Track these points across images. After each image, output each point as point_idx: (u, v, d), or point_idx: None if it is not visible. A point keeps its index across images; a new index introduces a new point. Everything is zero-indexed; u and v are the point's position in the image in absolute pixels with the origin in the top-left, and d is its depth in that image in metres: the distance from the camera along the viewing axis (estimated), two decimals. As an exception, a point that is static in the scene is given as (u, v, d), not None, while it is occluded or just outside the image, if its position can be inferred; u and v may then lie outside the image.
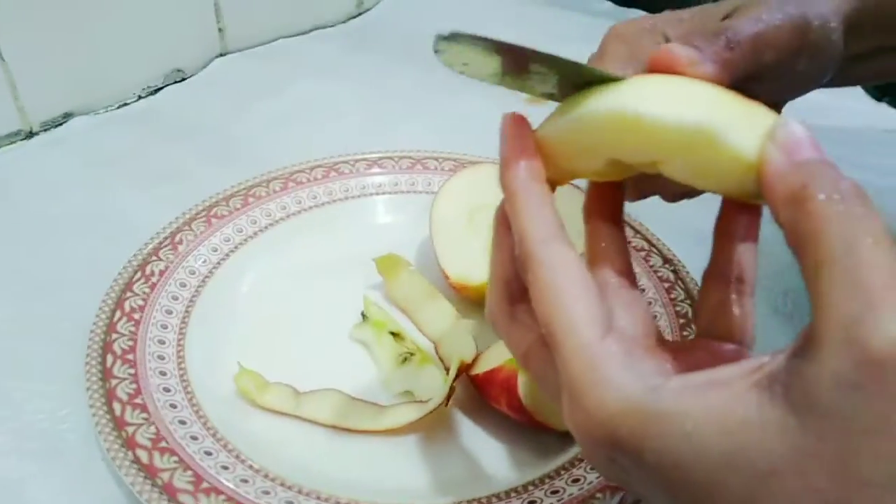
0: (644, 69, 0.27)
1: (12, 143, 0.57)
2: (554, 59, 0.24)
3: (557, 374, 0.23)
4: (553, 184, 0.26)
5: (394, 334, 0.42)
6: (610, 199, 0.28)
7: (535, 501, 0.33)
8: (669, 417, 0.20)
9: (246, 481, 0.33)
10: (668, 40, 0.30)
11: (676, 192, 0.32)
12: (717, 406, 0.19)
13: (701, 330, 0.27)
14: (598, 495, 0.33)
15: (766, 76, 0.29)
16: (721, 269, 0.26)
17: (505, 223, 0.26)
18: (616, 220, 0.28)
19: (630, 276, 0.27)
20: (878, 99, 0.51)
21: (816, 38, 0.29)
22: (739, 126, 0.22)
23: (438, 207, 0.46)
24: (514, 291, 0.27)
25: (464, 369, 0.37)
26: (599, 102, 0.24)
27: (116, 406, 0.35)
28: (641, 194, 0.31)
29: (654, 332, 0.26)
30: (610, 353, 0.22)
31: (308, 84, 0.67)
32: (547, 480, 0.34)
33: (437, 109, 0.65)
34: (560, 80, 0.25)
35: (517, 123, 0.26)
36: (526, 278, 0.24)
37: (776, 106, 0.31)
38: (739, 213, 0.26)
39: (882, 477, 0.18)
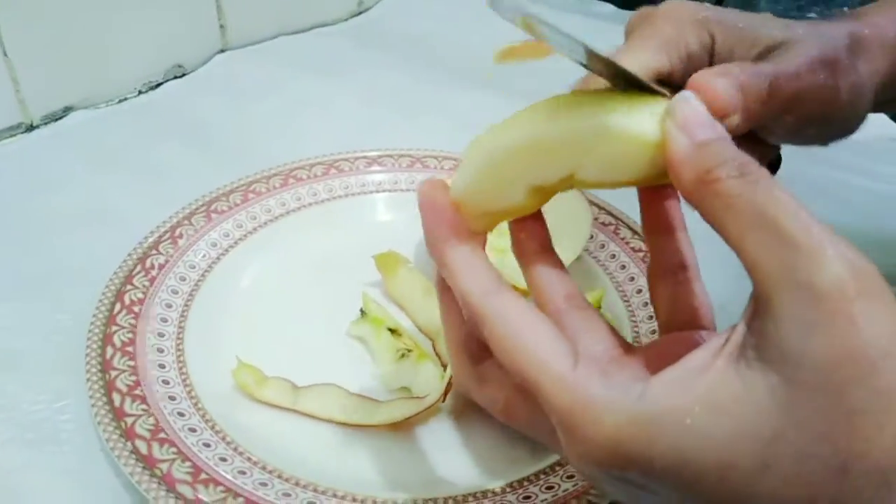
0: (683, 57, 0.28)
1: (13, 136, 0.58)
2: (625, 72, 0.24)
3: (545, 417, 0.23)
4: (482, 235, 0.27)
5: (392, 331, 0.42)
6: (535, 232, 0.28)
7: (530, 497, 0.33)
8: (665, 418, 0.20)
9: (244, 473, 0.33)
10: (713, 40, 0.30)
11: None
12: (704, 392, 0.20)
13: (662, 326, 0.27)
14: (593, 491, 0.33)
15: (781, 129, 0.29)
16: (662, 264, 0.27)
17: (446, 287, 0.27)
18: (547, 249, 0.28)
19: (578, 298, 0.27)
20: None
21: (843, 105, 0.29)
22: (633, 113, 0.23)
23: (437, 205, 0.46)
24: (474, 351, 0.27)
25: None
26: (502, 140, 0.25)
27: (116, 397, 0.35)
28: None
29: (619, 341, 0.25)
30: (587, 378, 0.22)
31: (308, 81, 0.68)
32: (542, 477, 0.34)
33: (437, 108, 0.65)
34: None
35: (430, 187, 0.26)
36: (483, 335, 0.24)
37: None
38: (659, 204, 0.27)
39: (869, 401, 0.18)
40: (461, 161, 0.27)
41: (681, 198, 0.24)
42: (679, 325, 0.26)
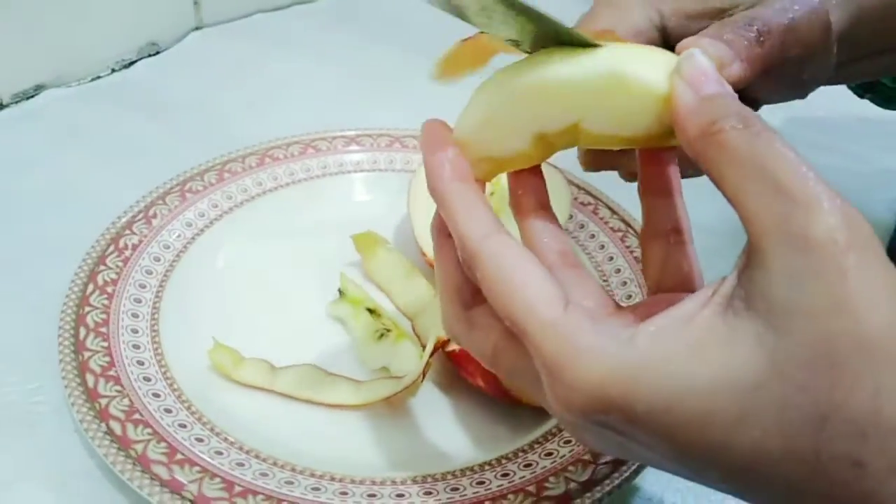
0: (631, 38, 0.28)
1: (-18, 114, 0.56)
2: (537, 14, 0.24)
3: (530, 361, 0.23)
4: (481, 181, 0.27)
5: (370, 311, 0.42)
6: (534, 188, 0.28)
7: (508, 474, 0.33)
8: (650, 363, 0.20)
9: (220, 453, 0.33)
10: (662, 16, 0.30)
11: (631, 169, 0.32)
12: (690, 340, 0.20)
13: (651, 288, 0.27)
14: (571, 468, 0.33)
15: (782, 73, 0.29)
16: (655, 226, 0.27)
17: (444, 231, 0.27)
18: (544, 206, 0.28)
19: (571, 256, 0.27)
20: (861, 96, 0.53)
21: (826, 41, 0.29)
22: (646, 65, 0.23)
23: (416, 185, 0.46)
24: (466, 297, 0.27)
25: (440, 346, 0.37)
26: (516, 79, 0.25)
27: (89, 378, 0.35)
28: (598, 167, 0.33)
29: (610, 302, 0.26)
30: (576, 322, 0.22)
31: (285, 60, 0.67)
32: (521, 454, 0.35)
33: (416, 88, 0.65)
34: (535, 35, 0.25)
35: (434, 127, 0.27)
36: (475, 277, 0.24)
37: (755, 105, 0.31)
38: (658, 166, 0.27)
39: (852, 352, 0.18)
40: (468, 102, 0.26)
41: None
42: (668, 288, 0.27)
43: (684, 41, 0.26)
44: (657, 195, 0.27)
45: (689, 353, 0.20)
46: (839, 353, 0.18)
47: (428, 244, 0.43)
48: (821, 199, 0.19)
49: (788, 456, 0.19)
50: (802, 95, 0.32)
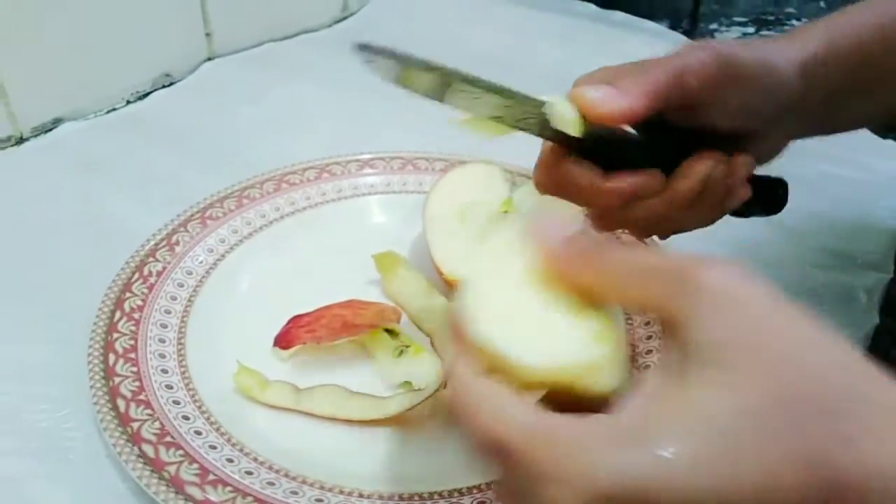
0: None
1: (3, 148, 0.58)
2: (476, 80, 0.28)
3: (525, 480, 0.22)
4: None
5: (388, 331, 0.42)
6: None
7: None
8: (635, 441, 0.21)
9: (251, 473, 0.34)
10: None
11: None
12: (671, 417, 0.21)
13: None
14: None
15: (698, 104, 0.31)
16: None
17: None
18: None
19: None
20: (884, 137, 0.55)
21: (747, 73, 0.32)
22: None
23: (431, 206, 0.47)
24: None
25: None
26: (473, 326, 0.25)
27: (120, 403, 0.35)
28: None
29: None
30: (554, 421, 0.22)
31: (295, 87, 0.68)
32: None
33: (426, 110, 0.66)
34: (512, 112, 0.29)
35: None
36: (461, 424, 0.24)
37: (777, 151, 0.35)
38: None
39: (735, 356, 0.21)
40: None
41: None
42: None
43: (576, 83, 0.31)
44: None
45: (671, 433, 0.21)
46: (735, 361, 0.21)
47: (444, 262, 0.44)
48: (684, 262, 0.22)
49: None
50: (770, 155, 0.36)
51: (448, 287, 0.44)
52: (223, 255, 0.46)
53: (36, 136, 0.59)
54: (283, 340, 0.41)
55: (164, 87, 0.67)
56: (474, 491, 0.34)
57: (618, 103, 0.30)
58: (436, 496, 0.34)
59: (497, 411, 0.23)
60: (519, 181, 0.49)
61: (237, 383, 0.39)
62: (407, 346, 0.41)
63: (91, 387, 0.36)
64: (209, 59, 0.70)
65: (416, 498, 0.33)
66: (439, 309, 0.43)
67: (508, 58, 0.71)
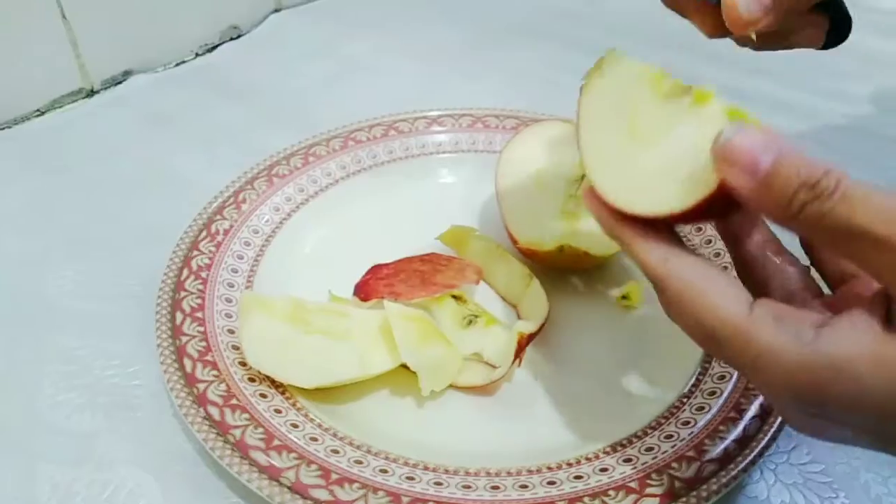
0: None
1: (75, 101, 0.58)
2: None
3: (735, 364, 0.25)
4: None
5: (455, 297, 0.41)
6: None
7: (606, 469, 0.32)
8: (833, 366, 0.22)
9: (315, 440, 0.33)
10: None
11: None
12: (866, 349, 0.21)
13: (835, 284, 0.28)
14: (675, 465, 0.32)
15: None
16: (746, 256, 0.29)
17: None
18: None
19: (775, 245, 0.29)
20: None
21: None
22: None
23: (503, 168, 0.45)
24: None
25: (526, 341, 0.36)
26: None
27: (187, 363, 0.35)
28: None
29: (810, 289, 0.27)
30: (762, 326, 0.23)
31: (364, 40, 0.66)
32: (619, 448, 0.33)
33: (495, 65, 0.63)
34: None
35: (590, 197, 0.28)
36: (664, 297, 0.26)
37: None
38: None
39: None
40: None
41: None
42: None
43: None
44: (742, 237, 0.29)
45: (870, 361, 0.21)
46: None
47: (519, 231, 0.42)
48: None
49: None
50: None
51: (523, 255, 0.42)
52: (289, 214, 0.45)
53: (106, 88, 0.59)
54: (362, 291, 0.40)
55: (231, 39, 0.66)
56: (544, 470, 0.32)
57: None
58: (503, 473, 0.32)
59: (711, 304, 0.24)
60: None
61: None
62: (476, 316, 0.39)
63: (158, 346, 0.36)
64: (276, 10, 0.69)
65: (483, 474, 0.32)
66: (518, 275, 0.41)
67: None
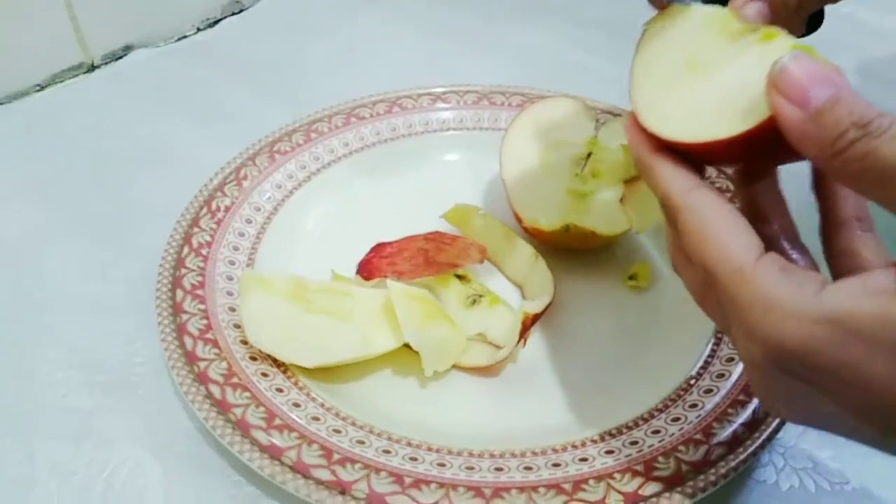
0: None
1: (75, 75, 0.57)
2: None
3: (723, 307, 0.23)
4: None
5: (459, 277, 0.40)
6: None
7: (612, 451, 0.32)
8: (836, 318, 0.20)
9: (317, 419, 0.32)
10: None
11: None
12: (879, 308, 0.20)
13: (840, 275, 0.26)
14: (682, 448, 0.31)
15: None
16: (837, 219, 0.26)
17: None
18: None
19: (791, 231, 0.28)
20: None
21: None
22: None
23: (508, 145, 0.44)
24: None
25: (531, 322, 0.36)
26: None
27: (188, 341, 0.35)
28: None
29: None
30: (766, 272, 0.22)
31: (369, 16, 0.65)
32: (625, 430, 0.33)
33: (500, 42, 0.62)
34: None
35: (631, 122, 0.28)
36: (676, 231, 0.25)
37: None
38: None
39: None
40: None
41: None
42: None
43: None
44: (835, 189, 0.27)
45: (877, 319, 0.20)
46: None
47: (524, 209, 0.41)
48: None
49: None
50: None
51: (528, 235, 0.42)
52: (291, 192, 0.45)
53: (107, 63, 0.58)
54: (365, 270, 0.40)
55: (233, 14, 0.65)
56: (549, 452, 0.32)
57: None
58: (507, 455, 0.32)
59: (721, 242, 0.23)
60: (604, 118, 0.45)
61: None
62: (481, 296, 0.38)
63: (159, 323, 0.35)
64: (279, -16, 0.68)
65: (487, 455, 0.32)
66: (523, 256, 0.41)
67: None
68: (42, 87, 0.56)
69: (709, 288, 0.24)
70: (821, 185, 0.27)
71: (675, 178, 0.25)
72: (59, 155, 0.50)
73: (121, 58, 0.59)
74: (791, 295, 0.21)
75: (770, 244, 0.26)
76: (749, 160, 0.28)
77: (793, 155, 0.24)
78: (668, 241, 0.28)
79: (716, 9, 0.28)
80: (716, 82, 0.26)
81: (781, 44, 0.25)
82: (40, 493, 0.31)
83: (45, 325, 0.38)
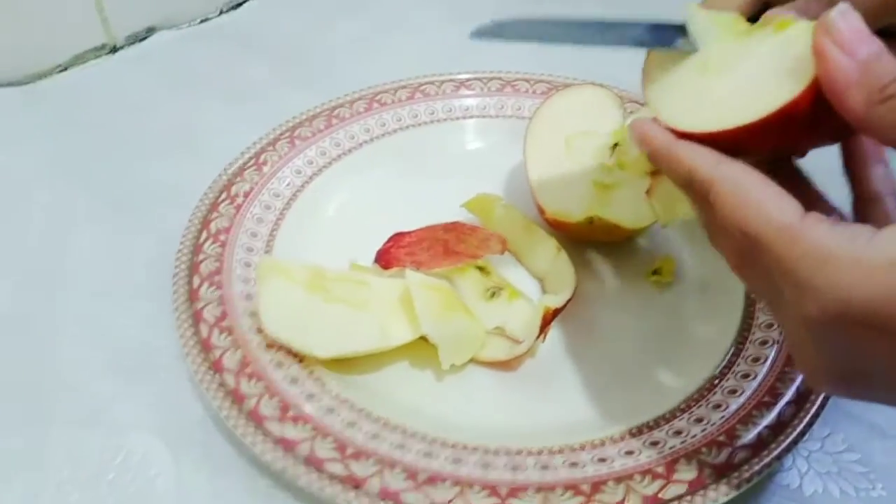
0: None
1: (98, 56, 0.57)
2: None
3: (767, 273, 0.23)
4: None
5: (479, 268, 0.39)
6: None
7: (632, 452, 0.31)
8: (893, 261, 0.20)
9: (332, 411, 0.32)
10: None
11: None
12: None
13: None
14: (704, 450, 0.30)
15: None
16: (869, 194, 0.27)
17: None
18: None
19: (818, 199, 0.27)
20: None
21: None
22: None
23: (532, 134, 0.43)
24: None
25: (551, 316, 0.35)
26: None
27: (203, 328, 0.34)
28: None
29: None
30: (814, 226, 0.21)
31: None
32: (645, 430, 0.32)
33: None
34: None
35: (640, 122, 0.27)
36: (708, 205, 0.24)
37: None
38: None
39: None
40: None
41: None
42: None
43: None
44: (865, 164, 0.27)
45: None
46: None
47: (547, 200, 0.40)
48: None
49: None
50: None
51: (551, 227, 0.41)
52: (311, 178, 0.44)
53: (130, 44, 0.58)
54: (383, 259, 0.39)
55: (256, -5, 0.64)
56: (566, 451, 0.31)
57: None
58: (524, 452, 0.31)
59: (760, 205, 0.23)
60: (632, 108, 0.44)
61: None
62: (500, 289, 0.38)
63: (175, 310, 0.35)
64: (303, -34, 0.67)
65: (503, 453, 0.31)
66: (545, 248, 0.40)
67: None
68: (64, 68, 0.56)
69: (749, 255, 0.24)
70: (853, 160, 0.27)
71: (700, 155, 0.25)
72: (80, 136, 0.49)
73: (143, 39, 0.59)
74: (846, 244, 0.21)
75: (808, 207, 0.25)
76: (773, 147, 0.27)
77: (815, 138, 0.25)
78: (701, 222, 0.27)
79: (723, 14, 0.27)
80: (735, 75, 0.25)
81: (802, 24, 0.25)
82: (52, 478, 0.31)
83: (66, 306, 0.38)
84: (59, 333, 0.37)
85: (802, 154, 0.28)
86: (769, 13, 0.27)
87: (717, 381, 0.34)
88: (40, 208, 0.44)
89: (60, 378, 0.35)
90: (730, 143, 0.25)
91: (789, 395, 0.32)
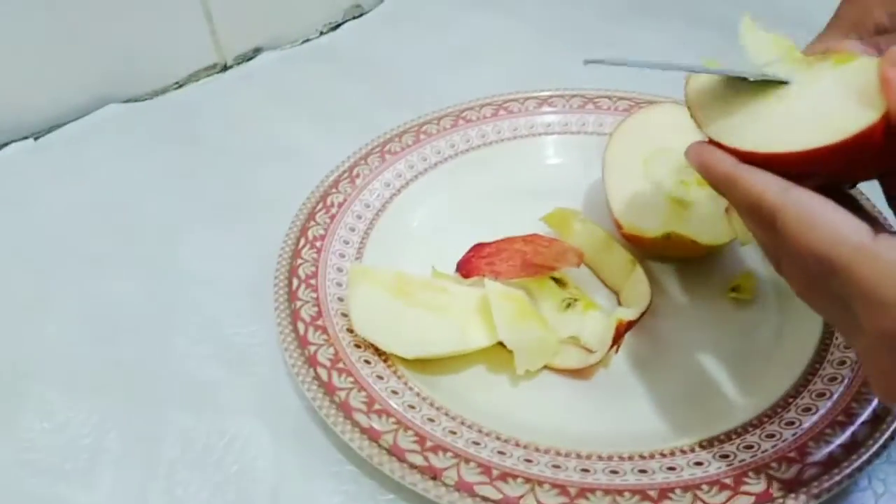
0: (869, 34, 0.28)
1: (209, 75, 0.62)
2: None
3: (835, 296, 0.24)
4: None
5: (556, 280, 0.41)
6: None
7: (701, 463, 0.32)
8: None
9: (413, 407, 0.35)
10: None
11: None
12: None
13: None
14: (773, 465, 0.31)
15: None
16: None
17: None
18: None
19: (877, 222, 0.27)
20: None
21: None
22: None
23: (612, 150, 0.44)
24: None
25: (625, 328, 0.36)
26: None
27: (300, 326, 0.37)
28: None
29: None
30: (888, 244, 0.22)
31: (483, 17, 0.67)
32: (716, 444, 0.33)
33: (613, 43, 0.62)
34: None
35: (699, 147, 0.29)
36: (775, 230, 0.25)
37: None
38: None
39: None
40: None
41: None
42: None
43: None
44: None
45: None
46: None
47: (623, 215, 0.41)
48: None
49: None
50: None
51: (627, 242, 0.42)
52: (399, 190, 0.47)
53: (238, 64, 0.63)
54: (464, 268, 0.41)
55: (354, 18, 0.68)
56: (636, 458, 0.32)
57: None
58: (594, 457, 0.33)
59: (833, 227, 0.23)
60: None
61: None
62: (576, 300, 0.39)
63: (275, 308, 0.39)
64: (397, -11, 0.70)
65: (574, 456, 0.33)
66: (622, 262, 0.41)
67: None
68: (180, 85, 0.61)
69: (820, 278, 0.24)
70: None
71: (767, 181, 0.26)
72: (193, 149, 0.54)
73: (251, 59, 0.63)
74: None
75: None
76: (834, 172, 0.28)
77: (877, 166, 0.26)
78: (763, 247, 0.28)
79: (778, 36, 0.29)
80: (798, 101, 0.26)
81: (865, 60, 0.26)
82: (166, 455, 0.35)
83: (180, 303, 0.43)
84: (174, 328, 0.41)
85: (853, 184, 0.28)
86: (823, 45, 0.28)
87: (791, 399, 0.34)
88: (157, 213, 0.49)
89: (175, 367, 0.39)
90: (795, 166, 0.26)
91: (865, 415, 0.32)
